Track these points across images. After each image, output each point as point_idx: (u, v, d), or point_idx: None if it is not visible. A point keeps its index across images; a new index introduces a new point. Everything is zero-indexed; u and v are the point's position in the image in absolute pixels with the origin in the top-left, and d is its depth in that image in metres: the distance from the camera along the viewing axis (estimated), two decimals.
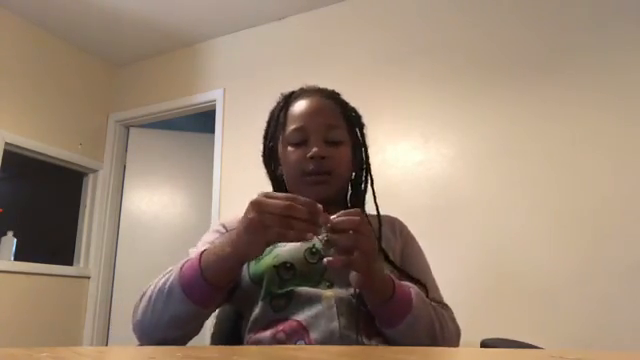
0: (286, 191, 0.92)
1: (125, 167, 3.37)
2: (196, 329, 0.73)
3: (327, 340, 0.72)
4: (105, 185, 3.27)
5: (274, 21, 2.96)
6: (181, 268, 0.70)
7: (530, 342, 1.25)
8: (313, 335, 0.72)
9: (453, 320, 0.83)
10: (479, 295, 2.02)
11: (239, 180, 2.72)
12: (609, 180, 1.94)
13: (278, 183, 0.95)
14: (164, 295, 0.69)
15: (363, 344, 0.73)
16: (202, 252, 0.70)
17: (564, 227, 1.96)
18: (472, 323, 1.97)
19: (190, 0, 2.79)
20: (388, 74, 2.51)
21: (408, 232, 0.96)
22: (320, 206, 0.64)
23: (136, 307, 0.74)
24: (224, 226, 0.91)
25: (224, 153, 2.89)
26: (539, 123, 2.12)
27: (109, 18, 2.94)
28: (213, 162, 2.92)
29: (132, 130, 3.43)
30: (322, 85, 0.98)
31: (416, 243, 0.95)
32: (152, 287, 0.73)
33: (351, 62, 2.63)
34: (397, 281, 0.75)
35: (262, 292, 0.80)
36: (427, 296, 0.81)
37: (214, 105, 3.02)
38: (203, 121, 3.36)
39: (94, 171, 3.28)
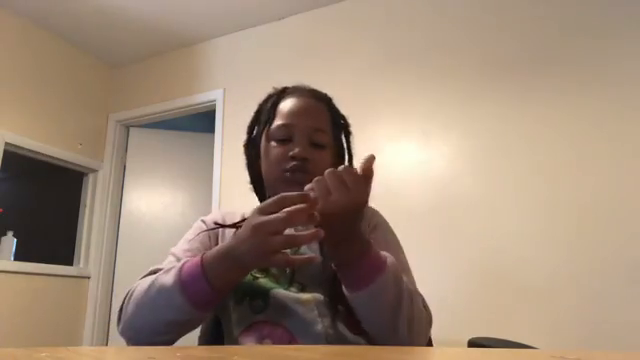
0: (262, 184, 0.93)
1: (125, 167, 3.37)
2: (192, 330, 0.73)
3: (315, 344, 0.71)
4: (105, 185, 3.27)
5: (274, 21, 2.96)
6: (180, 273, 0.67)
7: (526, 342, 1.25)
8: (300, 341, 0.72)
9: (426, 307, 0.76)
10: (479, 294, 2.02)
11: (239, 180, 2.71)
12: (606, 180, 1.94)
13: (256, 175, 0.95)
14: (163, 300, 0.67)
15: (348, 341, 0.72)
16: (202, 257, 0.68)
17: (562, 227, 1.97)
18: (462, 321, 1.98)
19: (190, 0, 2.79)
20: (388, 73, 2.51)
21: (378, 219, 0.91)
22: (309, 187, 0.63)
23: (125, 308, 0.71)
24: (204, 222, 0.90)
25: (224, 153, 2.89)
26: (538, 123, 2.12)
27: (109, 18, 2.94)
28: (213, 162, 2.92)
29: (132, 130, 3.43)
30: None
31: (384, 226, 0.90)
32: (143, 289, 0.70)
33: (351, 62, 2.64)
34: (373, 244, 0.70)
35: (236, 293, 0.78)
36: None
37: (214, 105, 3.03)
38: (203, 121, 3.36)
39: (94, 171, 3.28)
